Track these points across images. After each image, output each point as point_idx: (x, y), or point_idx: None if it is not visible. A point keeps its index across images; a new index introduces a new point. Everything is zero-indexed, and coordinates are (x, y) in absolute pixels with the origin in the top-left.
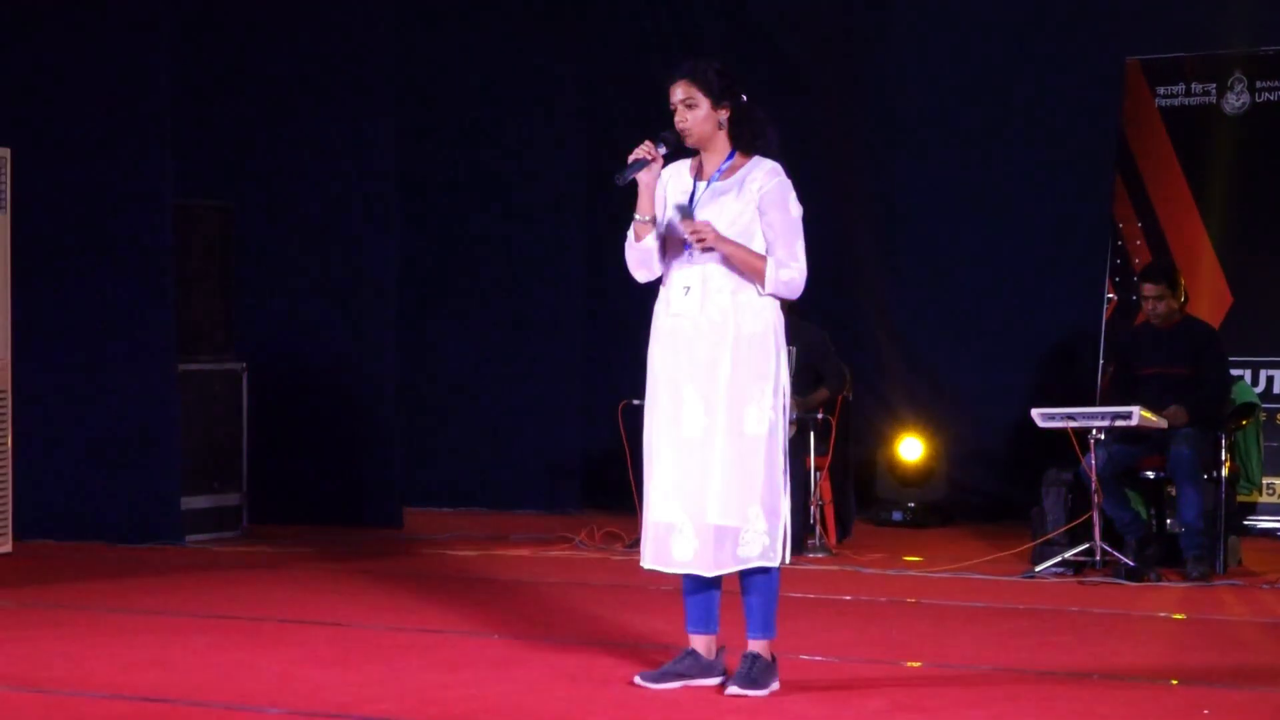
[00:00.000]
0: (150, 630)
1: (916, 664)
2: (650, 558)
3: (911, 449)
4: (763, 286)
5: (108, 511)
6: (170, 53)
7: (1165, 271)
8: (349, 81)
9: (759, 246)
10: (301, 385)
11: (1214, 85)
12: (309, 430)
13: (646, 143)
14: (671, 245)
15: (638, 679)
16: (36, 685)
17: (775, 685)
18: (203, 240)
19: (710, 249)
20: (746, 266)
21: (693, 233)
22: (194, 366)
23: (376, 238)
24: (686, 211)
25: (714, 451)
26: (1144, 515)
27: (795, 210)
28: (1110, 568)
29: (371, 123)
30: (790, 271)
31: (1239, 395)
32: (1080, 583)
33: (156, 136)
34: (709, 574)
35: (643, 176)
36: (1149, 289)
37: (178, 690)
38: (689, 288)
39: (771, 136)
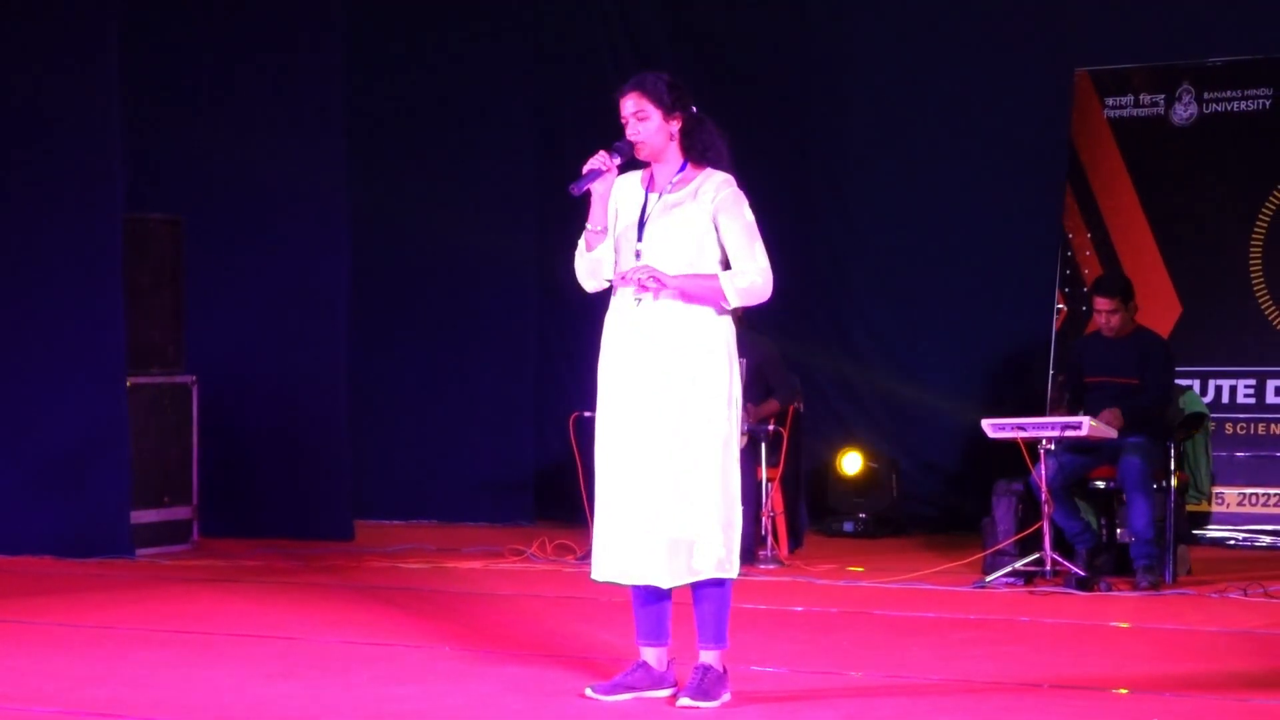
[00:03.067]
0: (99, 645)
1: (867, 675)
2: (606, 570)
3: (862, 460)
4: (726, 303)
5: (56, 525)
6: (119, 66)
7: (1119, 285)
8: (300, 93)
9: (711, 257)
10: (252, 398)
11: (1162, 96)
12: (259, 443)
13: (601, 152)
14: (622, 257)
15: (589, 691)
16: None
17: (727, 696)
18: (153, 253)
19: (660, 286)
20: (703, 292)
21: (643, 278)
22: (144, 380)
23: (327, 250)
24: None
25: (669, 463)
26: (1094, 525)
27: (749, 216)
28: (1061, 577)
29: (322, 134)
30: (748, 276)
31: (1188, 405)
32: (1031, 592)
33: (106, 149)
34: (665, 585)
35: (596, 187)
36: (1103, 303)
37: (127, 706)
38: (641, 299)
39: (722, 148)
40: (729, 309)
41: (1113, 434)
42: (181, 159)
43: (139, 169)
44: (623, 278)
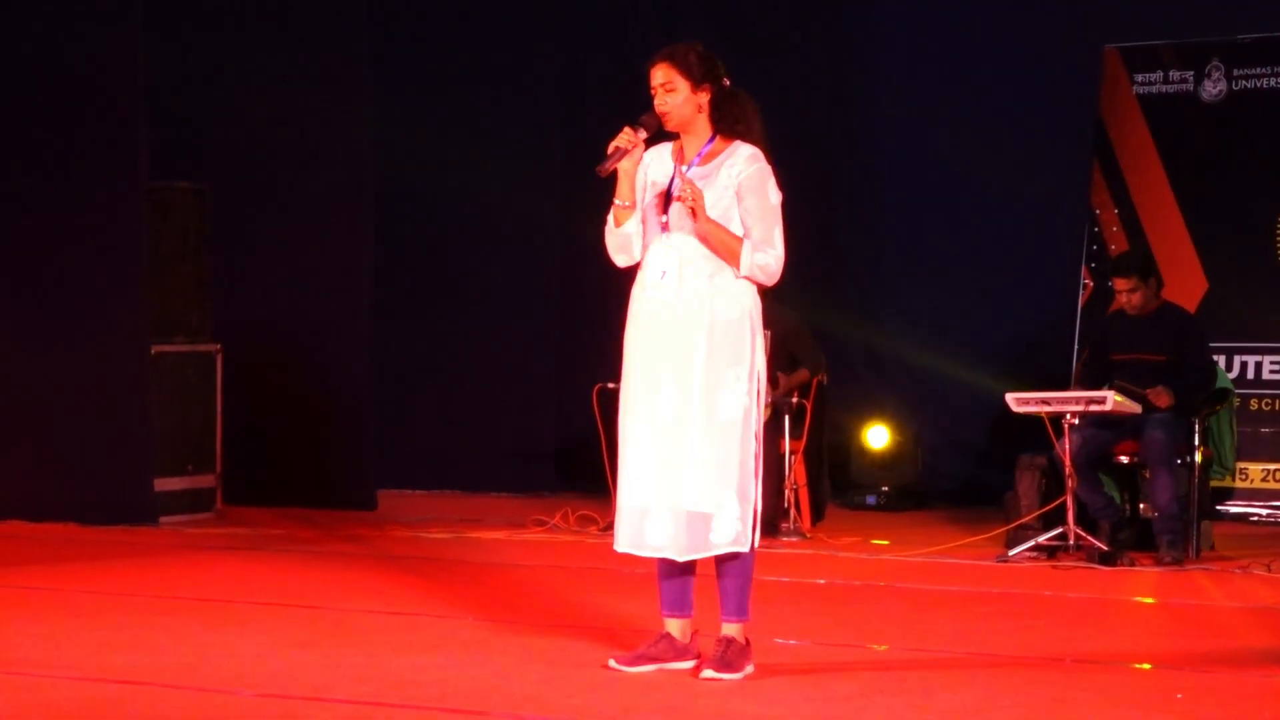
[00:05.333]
0: (123, 612)
1: (890, 648)
2: (624, 541)
3: (885, 433)
4: (738, 268)
5: (81, 492)
6: (145, 34)
7: (1136, 264)
8: (325, 63)
9: (737, 230)
10: (276, 367)
11: (1191, 73)
12: (283, 412)
13: (626, 129)
14: (649, 229)
15: (612, 662)
16: (8, 667)
17: (749, 668)
18: (178, 223)
19: (694, 214)
20: (723, 246)
21: (684, 195)
22: (168, 348)
23: (351, 220)
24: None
25: (689, 437)
26: (1118, 500)
27: (774, 196)
28: (1084, 552)
29: (348, 104)
30: (766, 256)
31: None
32: (1054, 567)
33: (131, 118)
34: (682, 559)
35: (624, 163)
36: (1121, 283)
37: (151, 672)
38: (665, 271)
39: (753, 121)
40: (739, 276)
41: (1137, 409)
42: (207, 127)
43: (164, 137)
44: (674, 194)
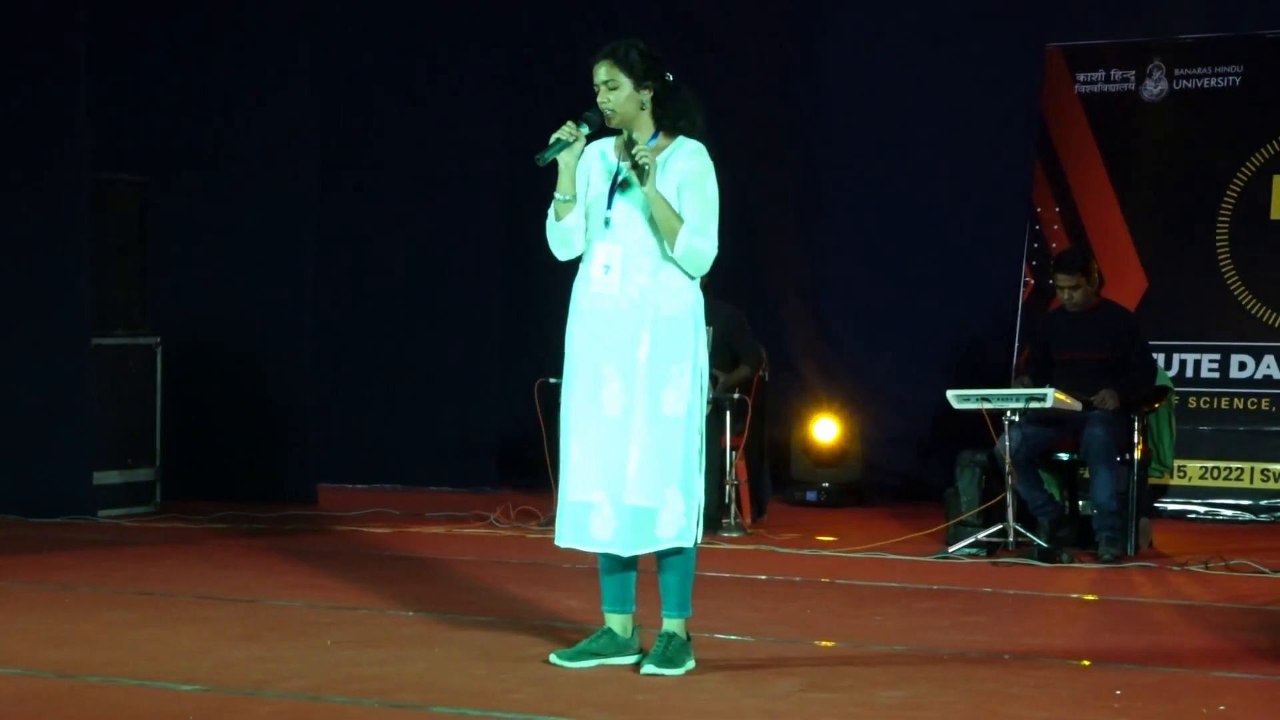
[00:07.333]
0: (62, 606)
1: (830, 643)
2: (567, 536)
3: (827, 429)
4: (673, 248)
5: (19, 485)
6: (88, 25)
7: (1078, 261)
8: (269, 58)
9: None
10: (217, 361)
11: (1133, 72)
12: (224, 406)
13: (569, 123)
14: (593, 224)
15: (553, 658)
16: None
17: (691, 664)
18: (119, 214)
19: (645, 171)
20: (665, 220)
21: (641, 158)
22: (108, 341)
23: (294, 213)
24: (632, 159)
25: (633, 432)
26: (1057, 497)
27: (711, 191)
28: (1023, 549)
29: (291, 98)
30: (701, 241)
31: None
32: (993, 564)
33: (74, 109)
34: (626, 554)
35: (564, 157)
36: (1064, 279)
37: (89, 666)
38: (609, 266)
39: (696, 117)
40: (673, 254)
41: (1077, 407)
42: (150, 120)
43: (107, 129)
44: (633, 156)
